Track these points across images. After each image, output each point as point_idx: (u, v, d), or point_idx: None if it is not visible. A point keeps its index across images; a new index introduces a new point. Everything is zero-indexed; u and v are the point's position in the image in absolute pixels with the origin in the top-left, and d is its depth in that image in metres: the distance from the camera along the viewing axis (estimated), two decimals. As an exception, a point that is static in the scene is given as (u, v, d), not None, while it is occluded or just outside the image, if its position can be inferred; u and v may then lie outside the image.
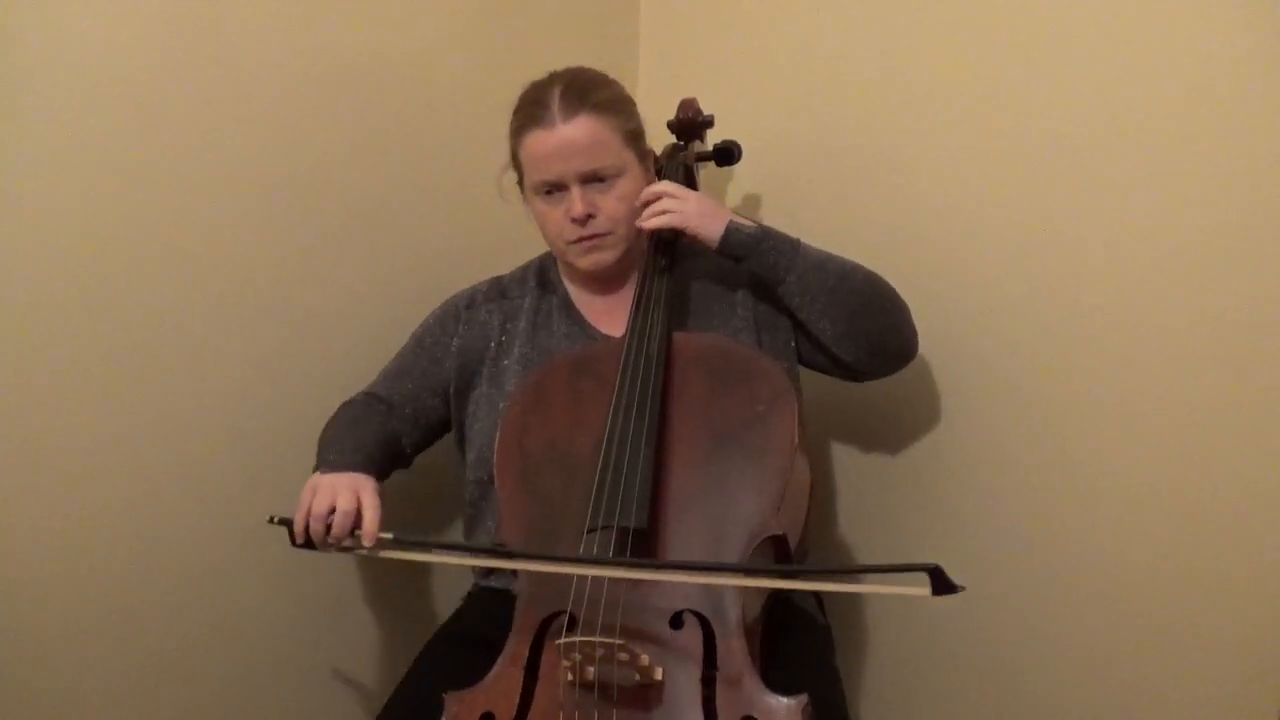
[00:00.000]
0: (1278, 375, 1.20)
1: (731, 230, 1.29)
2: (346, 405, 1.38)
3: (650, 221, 1.30)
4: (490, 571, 1.35)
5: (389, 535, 1.14)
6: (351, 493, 1.16)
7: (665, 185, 1.32)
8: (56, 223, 1.25)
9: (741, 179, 1.70)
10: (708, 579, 1.05)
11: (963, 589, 0.93)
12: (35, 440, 1.25)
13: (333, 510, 1.15)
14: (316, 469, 1.24)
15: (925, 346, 1.39)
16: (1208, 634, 1.25)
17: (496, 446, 1.22)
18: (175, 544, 1.36)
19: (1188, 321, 1.25)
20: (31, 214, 1.23)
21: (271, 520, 1.17)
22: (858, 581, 0.97)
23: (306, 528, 1.16)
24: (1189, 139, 1.24)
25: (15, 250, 1.22)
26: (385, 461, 1.32)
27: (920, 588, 0.94)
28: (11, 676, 1.25)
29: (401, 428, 1.37)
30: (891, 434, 1.54)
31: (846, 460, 1.60)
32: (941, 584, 0.93)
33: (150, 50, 1.30)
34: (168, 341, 1.34)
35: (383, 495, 1.19)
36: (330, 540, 1.15)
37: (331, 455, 1.25)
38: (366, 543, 1.13)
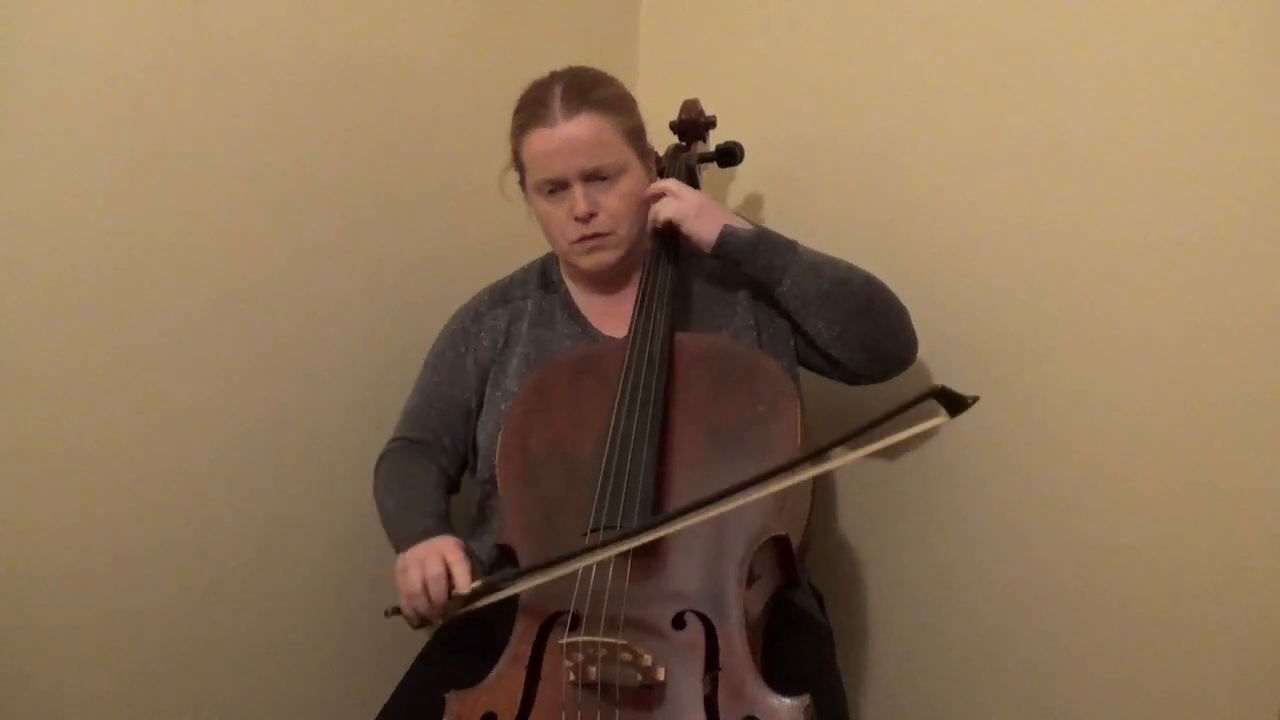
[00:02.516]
0: (1278, 375, 1.20)
1: (726, 234, 1.29)
2: (388, 459, 1.39)
3: (650, 217, 1.31)
4: (491, 570, 1.35)
5: (478, 583, 1.14)
6: (436, 557, 1.16)
7: (669, 182, 1.33)
8: (57, 223, 1.25)
9: (744, 180, 1.70)
10: (719, 509, 1.02)
11: (976, 398, 0.90)
12: (36, 441, 1.25)
13: (425, 582, 1.15)
14: (397, 543, 1.25)
15: (926, 347, 1.39)
16: (1208, 634, 1.25)
17: (499, 447, 1.22)
18: (175, 545, 1.36)
19: (1188, 322, 1.26)
20: (32, 214, 1.24)
21: (387, 614, 1.20)
22: (876, 439, 0.93)
23: (416, 609, 1.17)
24: (1189, 139, 1.24)
25: (16, 251, 1.23)
26: (447, 501, 1.34)
27: (937, 418, 0.92)
28: (12, 677, 1.25)
29: (445, 461, 1.38)
30: (892, 434, 1.54)
31: (847, 460, 1.60)
32: (955, 403, 0.91)
33: (150, 50, 1.30)
34: (169, 342, 1.34)
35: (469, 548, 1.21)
36: (436, 608, 1.16)
37: (407, 528, 1.26)
38: (462, 590, 1.14)
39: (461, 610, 1.15)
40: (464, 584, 1.13)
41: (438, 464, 1.37)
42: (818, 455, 1.03)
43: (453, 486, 1.40)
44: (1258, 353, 1.21)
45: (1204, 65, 1.23)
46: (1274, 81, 1.19)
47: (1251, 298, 1.21)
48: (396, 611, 1.19)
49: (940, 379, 1.47)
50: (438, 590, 1.14)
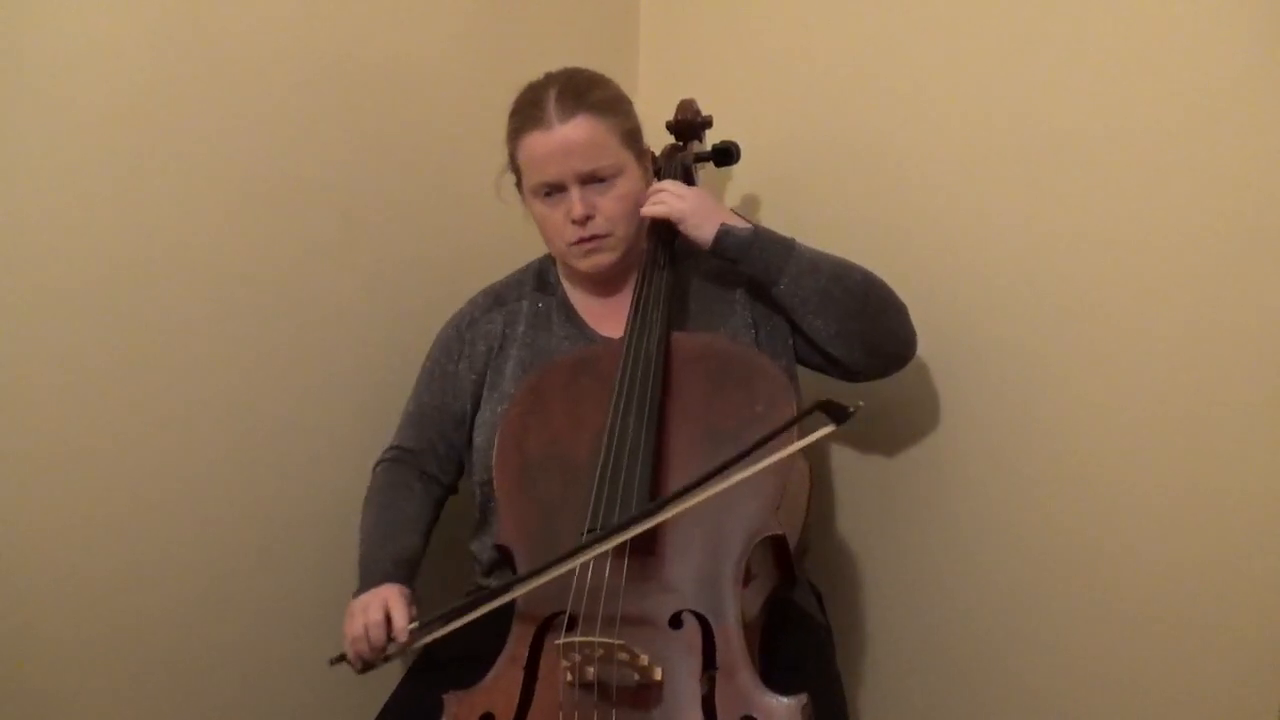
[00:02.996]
0: (1278, 375, 1.20)
1: (724, 233, 1.29)
2: (379, 474, 1.40)
3: (647, 211, 1.32)
4: (491, 571, 1.35)
5: (415, 624, 1.18)
6: (378, 605, 1.20)
7: (668, 182, 1.34)
8: (56, 223, 1.25)
9: (740, 179, 1.70)
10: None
11: (859, 406, 0.97)
12: (36, 441, 1.25)
13: (366, 628, 1.19)
14: (353, 595, 1.27)
15: (924, 346, 1.39)
16: (1208, 633, 1.25)
17: (496, 448, 1.22)
18: (175, 546, 1.36)
19: (1187, 321, 1.25)
20: (33, 215, 1.24)
21: (331, 662, 1.24)
22: (770, 454, 1.00)
23: (359, 654, 1.21)
24: (1189, 139, 1.24)
25: (16, 251, 1.23)
26: (429, 523, 1.38)
27: (825, 428, 0.98)
28: (13, 678, 1.25)
29: (437, 469, 1.39)
30: (891, 434, 1.54)
31: (846, 460, 1.60)
32: (838, 413, 0.97)
33: (150, 52, 1.31)
34: (168, 342, 1.34)
35: (416, 591, 1.26)
36: (374, 651, 1.20)
37: (365, 575, 1.29)
38: (400, 638, 1.18)
39: (400, 652, 1.20)
40: (401, 628, 1.18)
41: (427, 474, 1.38)
42: (718, 471, 1.04)
43: (447, 492, 1.41)
44: (1258, 353, 1.21)
45: (1204, 65, 1.23)
46: (1274, 81, 1.19)
47: (1252, 298, 1.21)
48: (341, 659, 1.23)
49: (939, 378, 1.48)
50: (376, 635, 1.18)
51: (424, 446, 1.38)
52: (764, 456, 1.03)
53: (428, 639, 1.18)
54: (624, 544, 1.08)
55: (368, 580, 1.27)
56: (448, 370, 1.38)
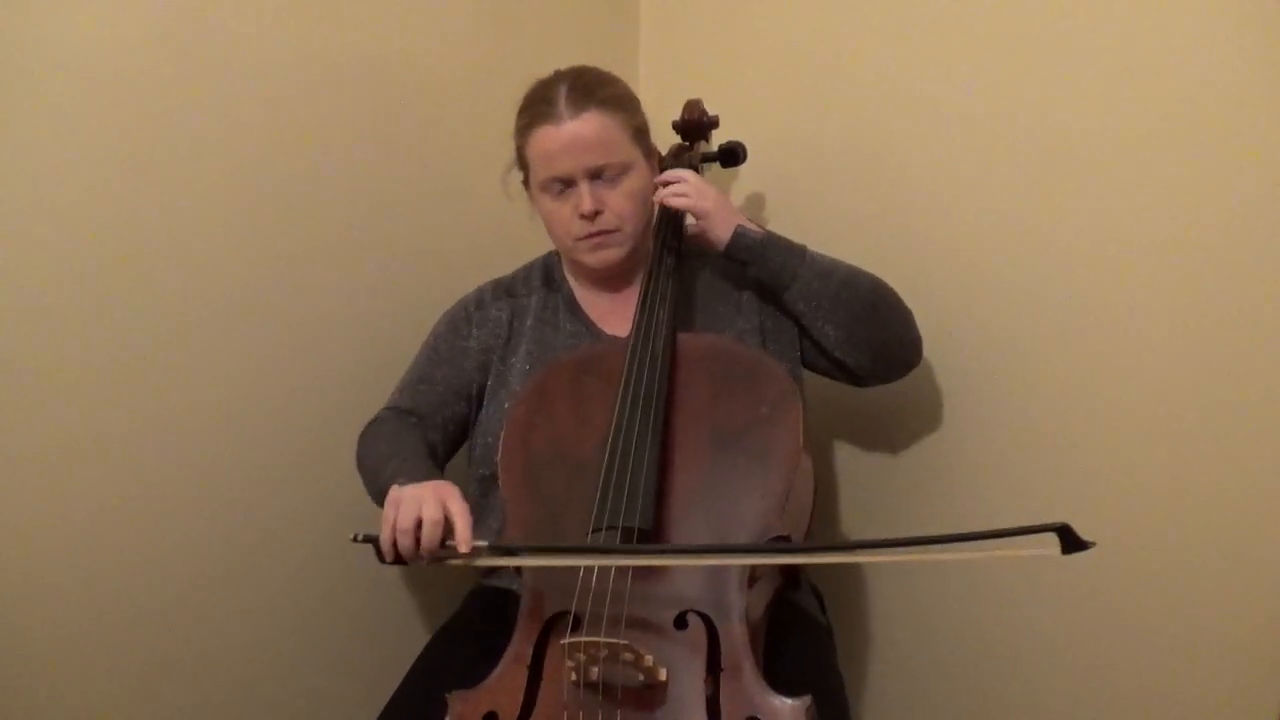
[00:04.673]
0: (1278, 375, 1.20)
1: (739, 234, 1.29)
2: (378, 423, 1.35)
3: (669, 199, 1.31)
4: (493, 570, 1.35)
5: (483, 543, 1.07)
6: (437, 501, 1.08)
7: (688, 173, 1.34)
8: (58, 224, 1.25)
9: (746, 180, 1.70)
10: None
11: (1093, 544, 0.92)
12: (37, 442, 1.24)
13: (420, 522, 1.08)
14: (388, 484, 1.14)
15: (929, 346, 1.39)
16: (1208, 634, 1.25)
17: (501, 445, 1.22)
18: (175, 545, 1.35)
19: (1188, 322, 1.26)
20: (33, 215, 1.23)
21: (355, 539, 1.10)
22: (977, 549, 0.93)
23: (395, 543, 1.09)
24: (1189, 140, 1.25)
25: (16, 251, 1.22)
26: (438, 472, 1.27)
27: (1048, 549, 0.92)
28: (13, 678, 1.24)
29: (435, 437, 1.34)
30: (893, 434, 1.54)
31: (848, 460, 1.60)
32: (1072, 544, 0.91)
33: (150, 50, 1.30)
34: (170, 342, 1.34)
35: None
36: (421, 554, 1.08)
37: (402, 464, 1.19)
38: (463, 549, 1.06)
39: (439, 562, 1.08)
40: (465, 539, 1.06)
41: (430, 436, 1.33)
42: (917, 544, 0.99)
43: (439, 466, 1.34)
44: (1258, 353, 1.21)
45: (1204, 65, 1.23)
46: (1274, 81, 1.19)
47: (1252, 297, 1.21)
48: (369, 539, 1.10)
49: (941, 378, 1.48)
50: (432, 536, 1.07)
51: (424, 411, 1.35)
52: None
53: (485, 562, 1.07)
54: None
55: (409, 469, 1.17)
56: (456, 345, 1.37)
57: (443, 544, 1.08)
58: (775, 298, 1.33)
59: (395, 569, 1.20)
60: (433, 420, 1.36)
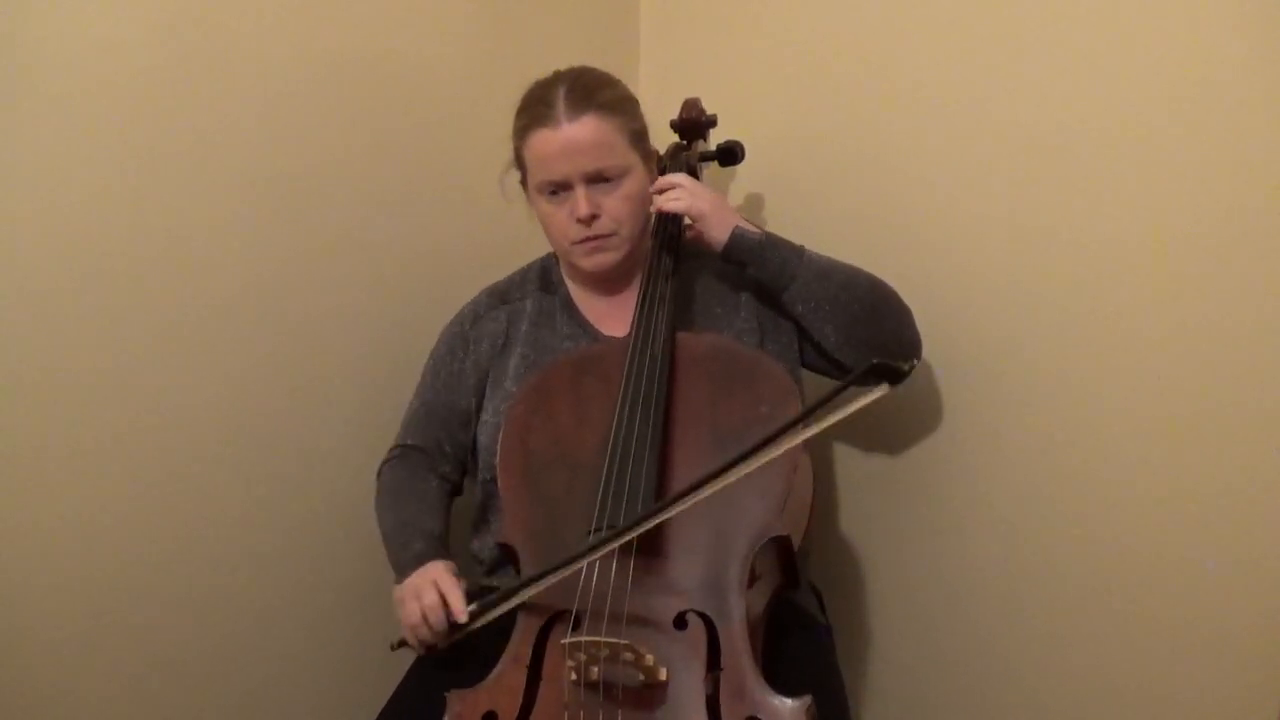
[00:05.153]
0: (1277, 374, 1.20)
1: (737, 235, 1.29)
2: (390, 471, 1.39)
3: (665, 204, 1.31)
4: (493, 570, 1.35)
5: (474, 606, 1.15)
6: (430, 588, 1.18)
7: (683, 176, 1.34)
8: (57, 224, 1.25)
9: (744, 179, 1.70)
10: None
11: (913, 364, 0.96)
12: (37, 442, 1.24)
13: (423, 613, 1.17)
14: (395, 581, 1.25)
15: (927, 346, 1.39)
16: (1208, 633, 1.25)
17: (500, 446, 1.22)
18: (175, 546, 1.35)
19: (1187, 321, 1.26)
20: (32, 215, 1.23)
21: (393, 647, 1.23)
22: (829, 417, 0.97)
23: (420, 640, 1.19)
24: (1188, 140, 1.24)
25: (16, 252, 1.22)
26: (446, 514, 1.35)
27: (879, 390, 0.97)
28: (12, 677, 1.24)
29: (446, 468, 1.38)
30: (892, 434, 1.54)
31: (847, 460, 1.60)
32: (891, 373, 0.95)
33: (150, 50, 1.30)
34: (170, 342, 1.34)
35: (459, 568, 1.23)
36: (436, 635, 1.17)
37: (401, 558, 1.27)
38: (460, 619, 1.15)
39: (465, 633, 1.17)
40: (460, 612, 1.15)
41: (438, 472, 1.37)
42: (782, 430, 1.03)
43: (455, 491, 1.40)
44: (1258, 352, 1.21)
45: (1203, 64, 1.23)
46: (1274, 81, 1.19)
47: (1252, 297, 1.21)
48: (403, 644, 1.22)
49: (941, 378, 1.48)
50: (436, 620, 1.16)
51: (431, 445, 1.38)
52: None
53: (487, 619, 1.14)
54: (630, 544, 1.08)
55: (404, 562, 1.26)
56: (452, 369, 1.38)
57: (449, 621, 1.16)
58: (774, 298, 1.33)
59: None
60: (441, 451, 1.38)
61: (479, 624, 1.15)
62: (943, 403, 1.49)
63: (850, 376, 0.98)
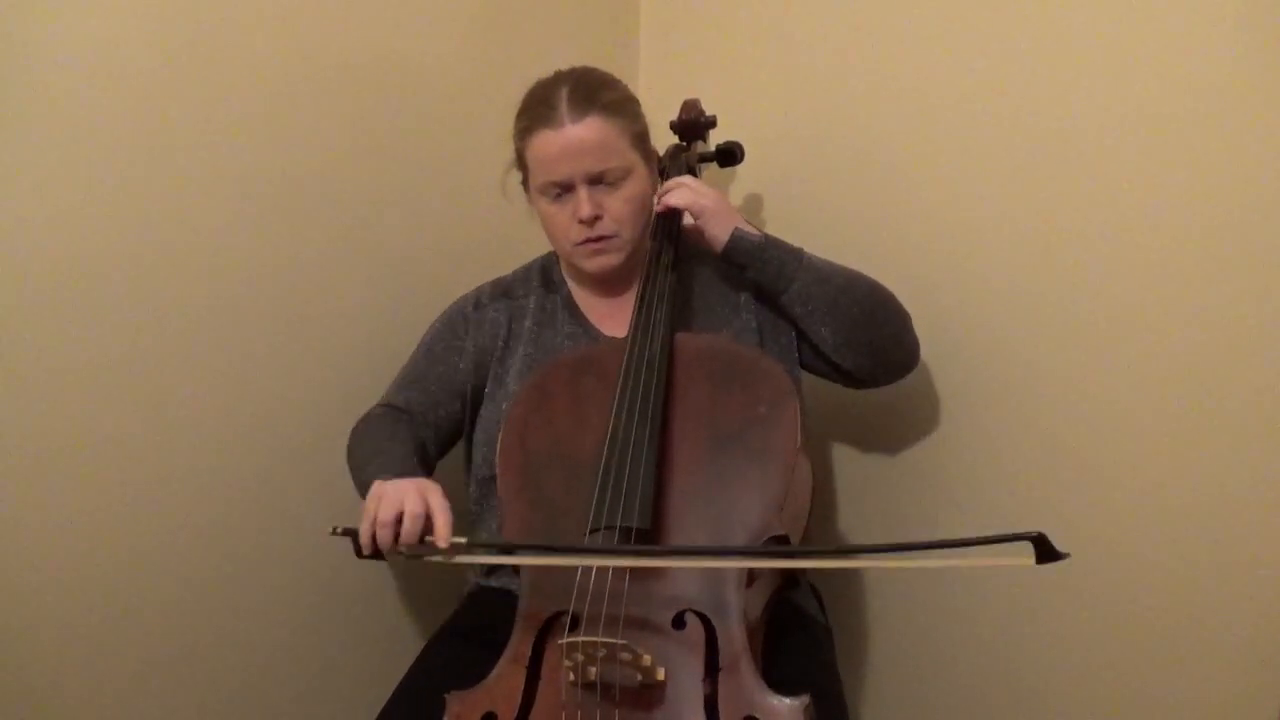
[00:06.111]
0: (1277, 375, 1.20)
1: (737, 236, 1.30)
2: (370, 419, 1.36)
3: (669, 198, 1.32)
4: (492, 570, 1.35)
5: (462, 539, 1.08)
6: (419, 496, 1.09)
7: (688, 178, 1.35)
8: (56, 224, 1.25)
9: (743, 180, 1.70)
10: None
11: (1067, 555, 0.91)
12: (36, 442, 1.24)
13: (400, 517, 1.09)
14: (371, 479, 1.16)
15: (926, 347, 1.39)
16: (1208, 634, 1.25)
17: (499, 445, 1.22)
18: (175, 545, 1.35)
19: (1187, 322, 1.26)
20: (31, 215, 1.23)
21: (335, 531, 1.11)
22: (953, 556, 0.92)
23: (374, 537, 1.09)
24: (1188, 140, 1.25)
25: (15, 252, 1.22)
26: (424, 470, 1.29)
27: (1023, 558, 0.92)
28: (11, 677, 1.24)
29: (426, 435, 1.35)
30: (892, 434, 1.54)
31: (847, 460, 1.60)
32: (1045, 551, 0.91)
33: (149, 50, 1.30)
34: (169, 342, 1.34)
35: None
36: (400, 548, 1.08)
37: (386, 460, 1.21)
38: (440, 545, 1.07)
39: (417, 558, 1.08)
40: (445, 535, 1.07)
41: (420, 434, 1.34)
42: (894, 550, 1.03)
43: (429, 466, 1.35)
44: (1258, 353, 1.21)
45: (1203, 65, 1.23)
46: (1274, 81, 1.19)
47: (1252, 297, 1.21)
48: (348, 533, 1.10)
49: (940, 378, 1.48)
50: (412, 530, 1.07)
51: (416, 409, 1.35)
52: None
53: (464, 559, 1.08)
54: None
55: (392, 464, 1.19)
56: (451, 343, 1.38)
57: (421, 540, 1.08)
58: (772, 300, 1.33)
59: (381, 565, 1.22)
60: (425, 418, 1.36)
61: (455, 558, 1.08)
62: (942, 403, 1.49)
63: (1004, 535, 0.92)
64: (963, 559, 0.96)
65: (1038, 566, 0.92)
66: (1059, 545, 0.91)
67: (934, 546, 0.96)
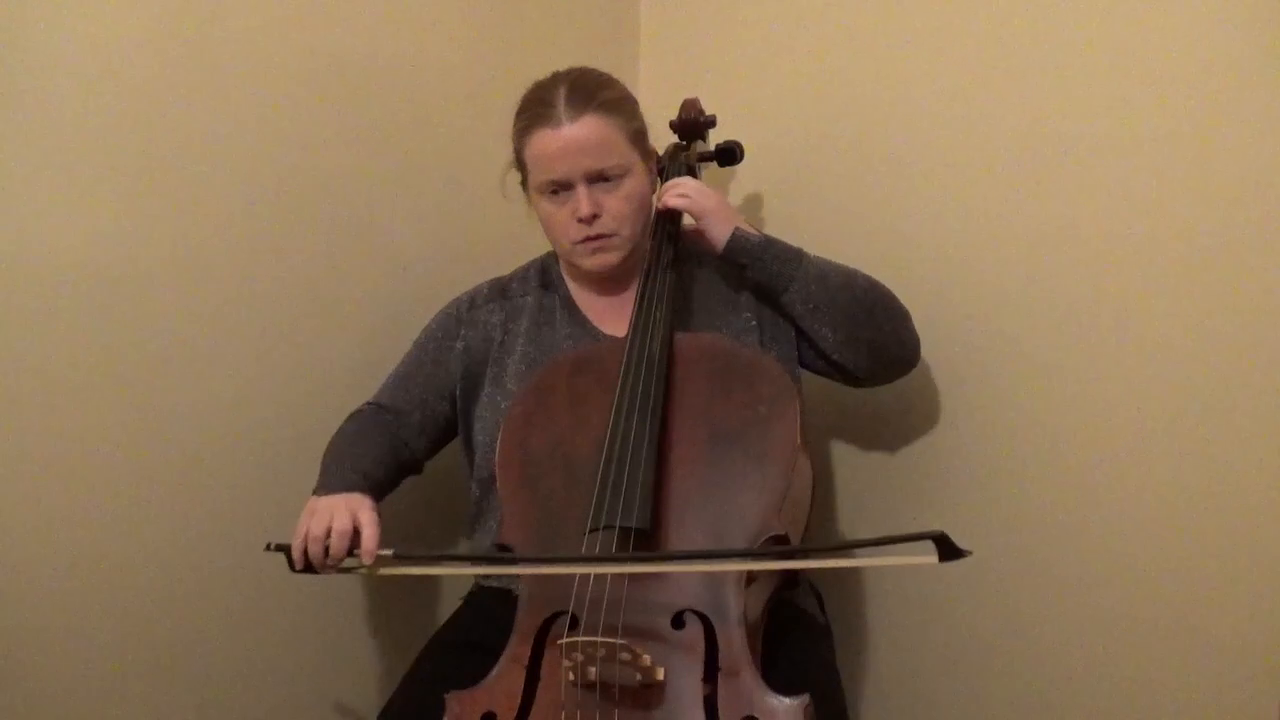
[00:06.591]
0: (1277, 375, 1.20)
1: (738, 236, 1.30)
2: (352, 418, 1.38)
3: (669, 199, 1.32)
4: (491, 571, 1.35)
5: (388, 552, 1.13)
6: (347, 513, 1.16)
7: (688, 178, 1.36)
8: (56, 224, 1.25)
9: (743, 179, 1.70)
10: (711, 566, 1.06)
11: (969, 553, 0.94)
12: (36, 443, 1.24)
13: (329, 532, 1.15)
14: (314, 491, 1.24)
15: (926, 346, 1.39)
16: (1208, 634, 1.25)
17: (499, 446, 1.22)
18: (175, 545, 1.35)
19: (1186, 322, 1.26)
20: (31, 216, 1.23)
21: (269, 547, 1.17)
22: (861, 556, 0.95)
23: (306, 552, 1.16)
24: (1188, 141, 1.25)
25: (15, 252, 1.22)
26: (392, 473, 1.33)
27: (927, 556, 0.95)
28: (10, 677, 1.24)
29: (410, 435, 1.36)
30: (891, 433, 1.54)
31: (846, 460, 1.60)
32: (948, 550, 0.94)
33: (150, 50, 1.30)
34: (168, 343, 1.34)
35: (381, 512, 1.19)
36: (329, 562, 1.15)
37: (329, 477, 1.25)
38: (366, 560, 1.13)
39: (351, 573, 1.13)
40: (370, 548, 1.13)
41: (400, 438, 1.36)
42: (802, 553, 1.09)
43: (413, 465, 1.38)
44: (1258, 353, 1.21)
45: (1203, 65, 1.23)
46: (1274, 81, 1.19)
47: (1252, 297, 1.21)
48: (280, 549, 1.17)
49: (939, 378, 1.48)
50: (339, 546, 1.14)
51: (403, 408, 1.37)
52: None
53: (389, 571, 1.13)
54: (628, 543, 1.08)
55: (331, 483, 1.23)
56: (444, 345, 1.38)
57: (350, 553, 1.14)
58: (772, 300, 1.34)
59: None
60: (409, 419, 1.37)
61: (380, 570, 1.13)
62: (942, 403, 1.49)
63: (905, 535, 0.97)
64: (868, 560, 1.00)
65: (940, 565, 0.96)
66: (961, 544, 0.95)
67: (842, 548, 1.06)
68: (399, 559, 1.14)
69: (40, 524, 1.25)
